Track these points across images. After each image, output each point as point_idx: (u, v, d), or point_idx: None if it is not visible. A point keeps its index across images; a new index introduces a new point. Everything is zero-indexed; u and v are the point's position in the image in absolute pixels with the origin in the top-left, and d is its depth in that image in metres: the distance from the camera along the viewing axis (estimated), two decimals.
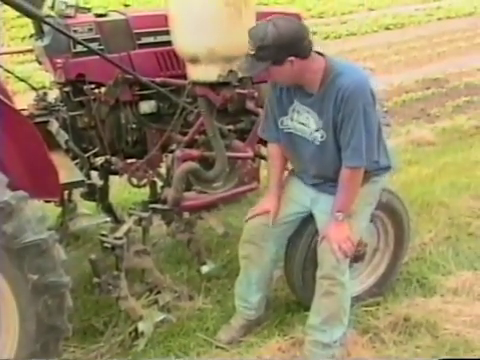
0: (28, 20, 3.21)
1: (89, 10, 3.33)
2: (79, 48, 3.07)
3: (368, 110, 2.56)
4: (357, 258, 3.01)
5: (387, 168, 2.86)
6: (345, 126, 2.57)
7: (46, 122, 3.23)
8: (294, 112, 2.72)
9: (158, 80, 3.25)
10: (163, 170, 3.50)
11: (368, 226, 3.00)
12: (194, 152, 3.22)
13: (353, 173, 2.65)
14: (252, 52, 2.50)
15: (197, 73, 3.00)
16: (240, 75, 3.00)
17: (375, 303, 3.24)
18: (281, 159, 2.94)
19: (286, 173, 3.03)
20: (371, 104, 2.60)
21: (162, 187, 3.40)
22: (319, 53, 2.62)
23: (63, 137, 3.09)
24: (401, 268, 3.48)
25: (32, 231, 2.22)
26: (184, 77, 3.16)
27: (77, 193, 3.68)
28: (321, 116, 2.63)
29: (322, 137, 2.65)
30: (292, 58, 2.49)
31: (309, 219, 2.93)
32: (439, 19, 14.44)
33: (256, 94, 3.37)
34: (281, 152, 2.91)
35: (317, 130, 2.66)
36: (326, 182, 2.79)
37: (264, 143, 3.53)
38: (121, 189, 4.39)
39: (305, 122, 2.69)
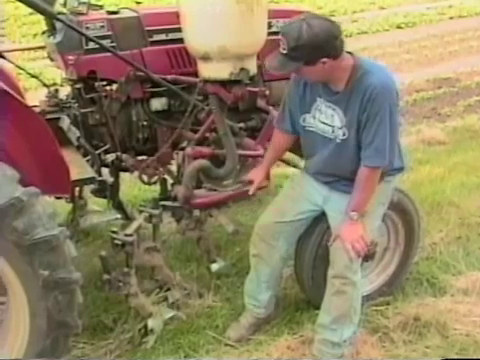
0: (40, 17, 3.22)
1: (101, 7, 3.34)
2: (91, 45, 3.07)
3: (393, 111, 2.55)
4: (367, 257, 2.99)
5: (400, 168, 2.85)
6: (370, 125, 2.54)
7: (57, 119, 3.24)
8: (317, 110, 2.70)
9: (169, 77, 3.25)
10: (174, 167, 3.50)
11: (379, 225, 2.99)
12: (205, 150, 3.22)
13: (372, 173, 2.63)
14: (284, 51, 2.45)
15: (208, 71, 3.00)
16: (251, 73, 3.01)
17: (385, 302, 3.24)
18: (281, 148, 3.00)
19: (299, 171, 3.02)
20: (396, 105, 2.58)
21: (172, 184, 3.41)
22: (347, 51, 2.57)
23: (74, 134, 3.10)
24: (411, 268, 3.47)
25: (43, 227, 2.23)
26: (195, 75, 3.15)
27: (88, 190, 3.70)
28: (346, 114, 2.60)
29: (344, 135, 2.63)
30: (325, 59, 2.45)
31: (319, 218, 2.92)
32: (451, 18, 14.32)
33: (267, 92, 3.37)
34: (284, 142, 2.95)
35: (341, 128, 2.64)
36: (340, 180, 2.77)
37: None
38: (132, 186, 4.41)
39: (328, 121, 2.67)
